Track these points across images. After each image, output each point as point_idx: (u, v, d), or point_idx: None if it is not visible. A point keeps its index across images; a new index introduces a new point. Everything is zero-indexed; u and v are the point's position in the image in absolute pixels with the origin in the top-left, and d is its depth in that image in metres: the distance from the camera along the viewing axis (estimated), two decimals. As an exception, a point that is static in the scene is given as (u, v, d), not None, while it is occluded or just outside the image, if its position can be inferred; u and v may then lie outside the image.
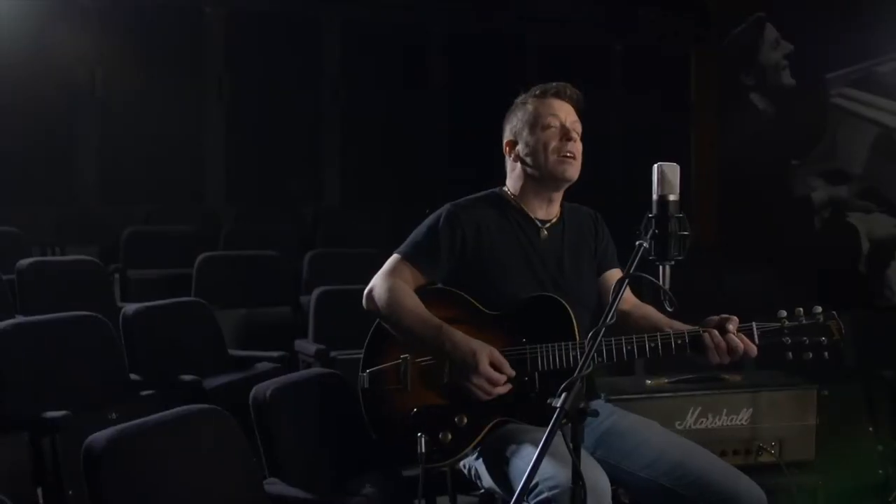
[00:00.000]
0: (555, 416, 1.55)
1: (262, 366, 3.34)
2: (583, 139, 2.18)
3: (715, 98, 7.80)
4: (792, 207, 6.79)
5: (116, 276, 4.98)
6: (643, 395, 2.61)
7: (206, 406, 2.09)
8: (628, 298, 2.24)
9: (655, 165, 1.86)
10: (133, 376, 3.02)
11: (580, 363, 1.65)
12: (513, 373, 2.00)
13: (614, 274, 2.25)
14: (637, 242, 1.79)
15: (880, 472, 3.43)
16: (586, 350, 1.66)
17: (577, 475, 1.61)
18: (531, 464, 1.53)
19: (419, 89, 7.45)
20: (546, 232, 2.19)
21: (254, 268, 4.65)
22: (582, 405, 1.59)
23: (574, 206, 2.31)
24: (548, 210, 2.21)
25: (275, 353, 3.47)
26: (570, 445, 1.59)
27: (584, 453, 1.96)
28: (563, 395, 1.57)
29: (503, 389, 2.00)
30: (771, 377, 2.79)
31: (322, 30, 7.24)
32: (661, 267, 1.86)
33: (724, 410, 2.65)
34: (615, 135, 8.16)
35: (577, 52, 7.84)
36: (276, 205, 6.87)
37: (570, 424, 1.58)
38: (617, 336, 2.00)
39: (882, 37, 5.96)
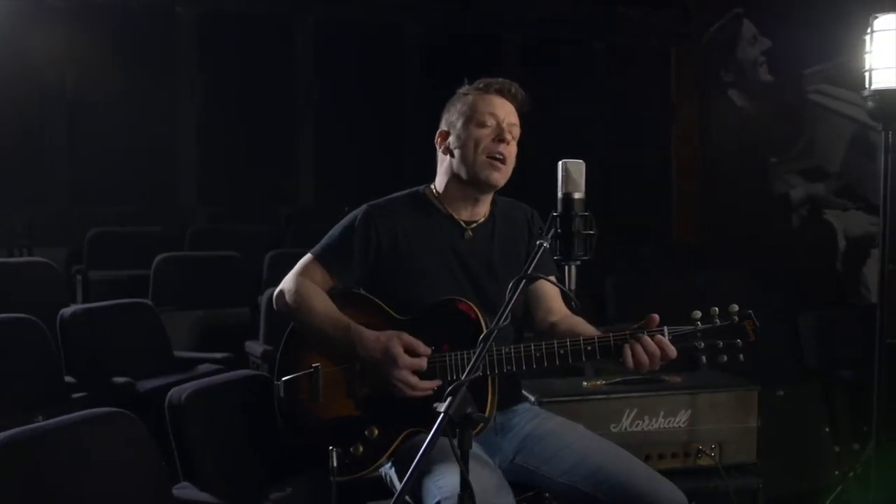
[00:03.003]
0: (438, 421, 1.51)
1: (206, 367, 3.30)
2: (520, 144, 2.11)
3: (696, 95, 7.76)
4: (770, 205, 6.74)
5: (79, 277, 4.94)
6: (577, 398, 2.54)
7: (111, 409, 2.03)
8: (558, 310, 2.18)
9: (560, 162, 1.82)
10: (68, 378, 2.97)
11: (468, 367, 1.59)
12: (429, 351, 1.94)
13: (544, 283, 2.15)
14: (538, 242, 1.74)
15: (836, 473, 3.38)
16: (476, 353, 1.61)
17: (465, 483, 1.56)
18: (410, 469, 1.48)
19: (394, 89, 7.40)
20: (471, 233, 2.10)
21: (214, 269, 4.61)
22: (469, 410, 1.54)
23: (509, 202, 2.22)
24: (473, 210, 2.12)
25: (219, 355, 3.42)
26: (458, 452, 1.54)
27: (484, 462, 1.93)
28: (448, 400, 1.52)
29: (428, 384, 1.93)
30: (711, 378, 2.73)
31: (295, 30, 7.20)
32: (566, 267, 1.81)
33: (662, 412, 2.58)
34: (597, 133, 8.11)
35: (557, 50, 7.79)
36: (250, 206, 6.82)
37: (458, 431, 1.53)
38: (526, 343, 1.93)
39: (857, 32, 5.90)
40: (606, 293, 4.56)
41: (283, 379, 2.04)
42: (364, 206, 2.13)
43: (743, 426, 2.65)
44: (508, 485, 1.91)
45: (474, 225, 2.12)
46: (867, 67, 2.44)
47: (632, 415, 2.57)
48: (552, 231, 1.75)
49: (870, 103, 2.40)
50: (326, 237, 2.12)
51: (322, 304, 2.03)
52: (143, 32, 6.73)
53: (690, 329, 1.87)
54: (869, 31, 2.42)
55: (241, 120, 6.96)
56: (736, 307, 1.87)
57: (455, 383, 1.52)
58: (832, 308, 4.55)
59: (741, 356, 1.85)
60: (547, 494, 2.12)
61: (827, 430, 3.53)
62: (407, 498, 2.00)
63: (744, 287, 5.11)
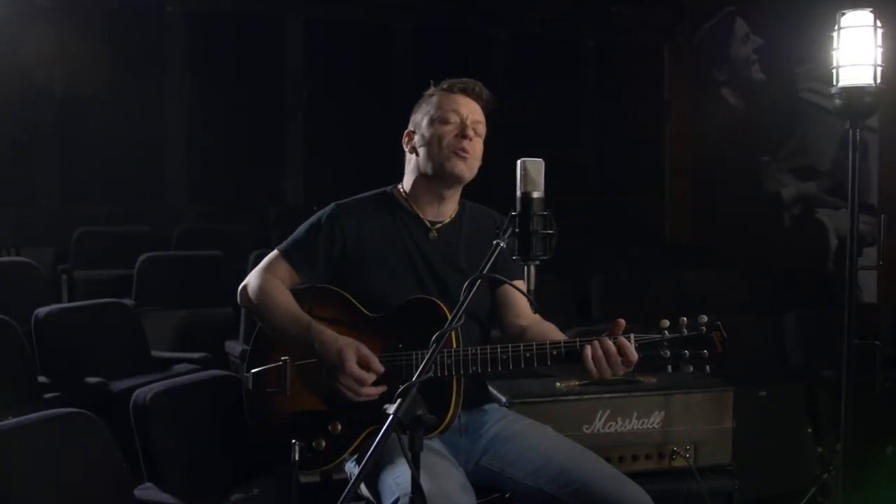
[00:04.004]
0: (387, 423, 1.49)
1: (182, 367, 3.28)
2: (486, 142, 2.11)
3: (689, 94, 7.73)
4: (763, 204, 6.72)
5: (64, 277, 4.93)
6: (549, 399, 2.52)
7: (71, 410, 2.04)
8: (528, 315, 2.15)
9: (519, 161, 1.79)
10: (42, 379, 2.96)
11: (420, 367, 1.57)
12: (381, 369, 1.93)
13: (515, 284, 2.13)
14: (494, 242, 1.72)
15: (820, 474, 3.36)
16: (428, 354, 1.59)
17: (416, 486, 1.54)
18: (360, 467, 1.46)
19: (384, 88, 7.38)
20: (436, 233, 2.10)
21: (198, 269, 4.59)
22: (419, 412, 1.52)
23: (478, 207, 2.22)
24: (440, 210, 2.12)
25: (196, 355, 3.41)
26: (409, 455, 1.53)
27: (447, 461, 1.93)
28: (398, 402, 1.50)
29: (373, 391, 1.93)
30: (686, 379, 2.70)
31: (285, 28, 7.18)
32: (525, 267, 1.78)
33: (635, 413, 2.55)
34: (589, 131, 8.09)
35: (547, 47, 7.76)
36: (239, 205, 6.81)
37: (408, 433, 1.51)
38: (493, 345, 1.92)
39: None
40: (592, 292, 4.54)
41: (252, 371, 2.04)
42: (332, 205, 2.14)
43: (718, 427, 2.62)
44: (471, 486, 1.89)
45: (440, 225, 2.12)
46: (834, 64, 2.42)
47: (605, 416, 2.53)
48: (509, 231, 1.73)
49: (837, 101, 2.38)
50: (293, 234, 2.13)
51: (284, 300, 2.04)
52: (133, 31, 6.72)
53: (657, 337, 1.84)
54: (836, 27, 2.40)
55: (231, 119, 6.94)
56: (705, 318, 1.85)
57: (405, 385, 1.51)
58: (816, 307, 4.52)
59: (707, 367, 1.83)
60: (507, 495, 2.10)
61: (809, 430, 3.50)
62: (366, 493, 2.00)
63: (731, 287, 5.09)
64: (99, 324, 3.34)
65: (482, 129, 2.10)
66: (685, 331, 1.83)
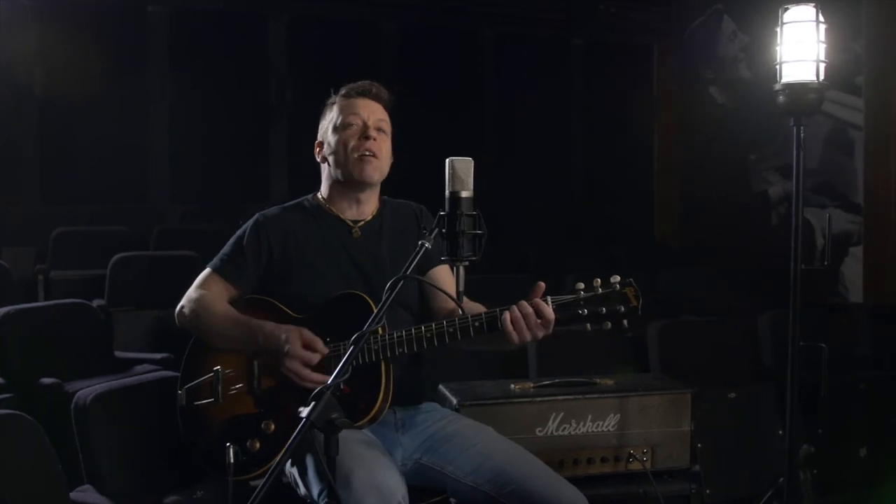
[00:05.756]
0: (300, 426, 1.47)
1: (143, 368, 3.26)
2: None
3: (677, 92, 7.69)
4: (750, 202, 6.67)
5: (41, 277, 4.91)
6: (500, 401, 2.48)
7: (6, 412, 2.01)
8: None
9: (447, 160, 1.77)
10: (-1, 380, 2.93)
11: (338, 366, 1.55)
12: (326, 350, 1.96)
13: (440, 271, 2.18)
14: (419, 242, 1.70)
15: (777, 477, 3.32)
16: (346, 355, 1.57)
17: (330, 490, 1.52)
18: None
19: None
20: (359, 232, 2.15)
21: (172, 269, 4.55)
22: (333, 416, 1.50)
23: (398, 202, 2.27)
24: (359, 210, 2.17)
25: (158, 356, 3.39)
26: (324, 458, 1.51)
27: (377, 449, 1.92)
28: (312, 405, 1.48)
29: (317, 377, 1.93)
30: (643, 381, 2.67)
31: (268, 26, 7.15)
32: (454, 268, 1.76)
33: (590, 416, 2.51)
34: (577, 130, 8.05)
35: (535, 46, 7.71)
36: (222, 205, 6.78)
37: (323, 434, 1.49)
38: (417, 326, 1.92)
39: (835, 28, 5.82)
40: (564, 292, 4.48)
41: (186, 387, 2.06)
42: (255, 216, 2.19)
43: (676, 430, 2.58)
44: (402, 476, 1.89)
45: (362, 223, 2.17)
46: (778, 60, 2.38)
47: (558, 418, 2.50)
48: (435, 231, 1.71)
49: (780, 97, 2.34)
50: (222, 250, 2.18)
51: (222, 308, 2.08)
52: (116, 31, 6.69)
53: (573, 297, 1.86)
54: (779, 23, 2.36)
55: (215, 119, 6.92)
56: (618, 277, 1.88)
57: (318, 388, 1.51)
58: (787, 308, 4.46)
59: (625, 322, 1.85)
60: (452, 500, 2.08)
61: (780, 431, 3.46)
62: (312, 497, 1.98)
63: (711, 286, 5.04)
64: (61, 325, 3.32)
65: (386, 126, 2.16)
66: (599, 290, 1.86)
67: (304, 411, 1.48)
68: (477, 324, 1.87)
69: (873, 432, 3.51)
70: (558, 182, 7.64)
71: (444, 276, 2.16)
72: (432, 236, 1.71)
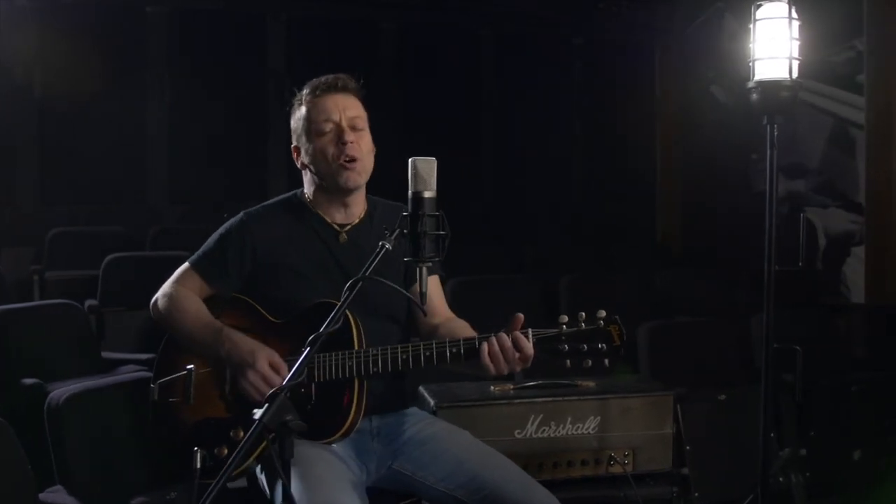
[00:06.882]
0: (252, 428, 1.45)
1: (128, 369, 3.25)
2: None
3: (679, 91, 7.63)
4: (751, 202, 6.60)
5: (36, 278, 4.92)
6: (479, 403, 2.46)
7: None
8: (441, 312, 2.15)
9: (410, 160, 1.75)
10: (-20, 381, 2.93)
11: (290, 372, 1.54)
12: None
13: (429, 281, 2.12)
14: (380, 243, 1.68)
15: (781, 479, 3.28)
16: (301, 358, 1.55)
17: (286, 494, 1.50)
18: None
19: (370, 87, 7.32)
20: (346, 236, 2.09)
21: (165, 269, 4.52)
22: (287, 418, 1.48)
23: (389, 203, 2.20)
24: (346, 213, 2.11)
25: (143, 356, 3.38)
26: (279, 462, 1.49)
27: (339, 462, 1.88)
28: (265, 407, 1.47)
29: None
30: (624, 383, 2.64)
31: (267, 27, 7.15)
32: (417, 269, 1.74)
33: (569, 418, 2.48)
34: (578, 130, 8.00)
35: (535, 45, 7.68)
36: (220, 205, 6.78)
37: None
38: (394, 346, 1.89)
39: (837, 26, 5.76)
40: (560, 293, 4.46)
41: (159, 382, 2.03)
42: (240, 214, 2.13)
43: (657, 433, 2.55)
44: (365, 493, 1.86)
45: (349, 227, 2.11)
46: (751, 58, 2.35)
47: (537, 421, 2.47)
48: (397, 231, 1.69)
49: (753, 95, 2.31)
50: (203, 245, 2.12)
51: (194, 308, 2.04)
52: (114, 31, 6.70)
53: (554, 332, 1.83)
54: (752, 19, 2.32)
55: (213, 119, 6.92)
56: (604, 312, 1.84)
57: (273, 390, 1.50)
58: (786, 308, 4.42)
59: (606, 361, 1.81)
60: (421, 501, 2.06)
61: (772, 434, 3.42)
62: (267, 490, 1.97)
63: (707, 286, 5.00)
64: (47, 325, 3.31)
65: (361, 121, 2.09)
66: (583, 325, 1.82)
67: (258, 413, 1.46)
68: (454, 350, 1.85)
69: (867, 435, 3.46)
70: (558, 182, 7.60)
71: (431, 289, 2.06)
72: (393, 237, 1.69)
